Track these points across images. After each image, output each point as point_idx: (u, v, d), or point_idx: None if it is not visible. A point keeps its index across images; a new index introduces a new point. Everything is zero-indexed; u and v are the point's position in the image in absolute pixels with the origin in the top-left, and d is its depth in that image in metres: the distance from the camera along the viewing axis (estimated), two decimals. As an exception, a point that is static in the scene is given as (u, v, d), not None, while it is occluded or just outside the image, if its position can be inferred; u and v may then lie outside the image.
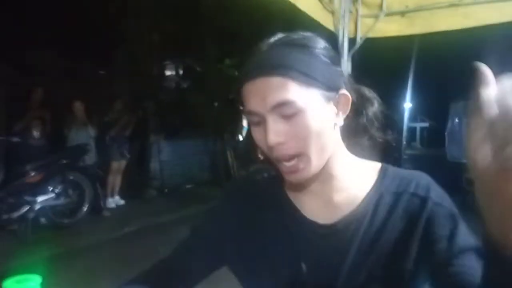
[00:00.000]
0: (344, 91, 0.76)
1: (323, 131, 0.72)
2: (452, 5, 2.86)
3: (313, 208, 0.81)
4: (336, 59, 0.77)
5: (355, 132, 0.85)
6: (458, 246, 0.71)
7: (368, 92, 0.88)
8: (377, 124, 0.87)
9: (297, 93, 0.69)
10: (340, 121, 0.77)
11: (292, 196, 0.84)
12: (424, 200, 0.76)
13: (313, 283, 0.78)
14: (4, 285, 0.63)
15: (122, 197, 7.48)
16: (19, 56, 7.89)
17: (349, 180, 0.81)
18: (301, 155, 0.72)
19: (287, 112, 0.70)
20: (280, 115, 0.70)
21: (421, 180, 0.80)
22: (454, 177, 7.73)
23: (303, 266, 0.78)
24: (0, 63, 7.23)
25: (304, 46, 0.73)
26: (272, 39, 0.75)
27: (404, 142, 10.73)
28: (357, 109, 0.84)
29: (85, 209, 6.17)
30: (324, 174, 0.79)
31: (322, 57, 0.73)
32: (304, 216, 0.81)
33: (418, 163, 10.30)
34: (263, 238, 0.83)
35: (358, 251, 0.76)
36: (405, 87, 10.79)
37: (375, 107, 0.87)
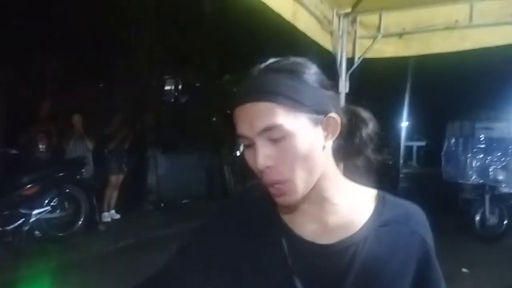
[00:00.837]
0: (332, 114, 0.77)
1: (310, 154, 0.74)
2: (448, 28, 2.92)
3: (308, 229, 0.81)
4: (326, 83, 0.79)
5: (349, 153, 0.86)
6: None
7: (363, 113, 0.89)
8: (372, 145, 0.87)
9: (284, 117, 0.72)
10: (329, 143, 0.79)
11: (287, 217, 0.84)
12: (423, 241, 0.79)
13: None
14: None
15: (118, 211, 7.44)
16: (19, 68, 7.93)
17: (344, 204, 0.82)
18: (288, 179, 0.74)
19: (275, 136, 0.72)
20: (268, 139, 0.73)
21: (420, 217, 0.82)
22: (450, 196, 7.79)
23: (299, 286, 0.78)
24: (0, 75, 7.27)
25: (293, 72, 0.75)
26: (262, 65, 0.77)
27: (401, 161, 10.77)
28: (351, 130, 0.85)
29: (80, 222, 6.13)
30: (317, 196, 0.80)
31: (310, 82, 0.75)
32: (300, 236, 0.81)
33: (415, 182, 10.33)
34: (255, 259, 0.82)
35: (357, 275, 0.76)
36: (402, 106, 10.88)
37: (369, 128, 0.87)
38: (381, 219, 0.80)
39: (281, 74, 0.74)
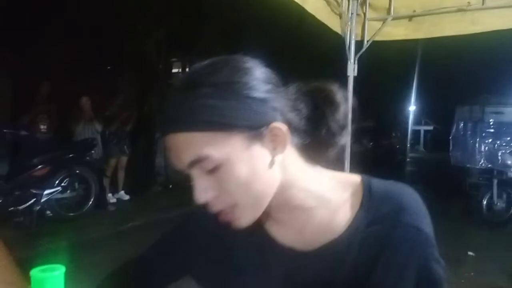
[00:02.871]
0: (276, 124, 0.65)
1: (254, 176, 0.65)
2: (459, 10, 2.88)
3: (287, 236, 0.74)
4: (266, 88, 0.66)
5: (319, 147, 0.73)
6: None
7: (331, 94, 0.73)
8: (344, 133, 0.73)
9: (210, 146, 0.62)
10: (280, 157, 0.67)
11: (265, 222, 0.76)
12: (418, 232, 0.68)
13: None
14: (31, 274, 0.67)
15: (127, 192, 7.54)
16: (26, 51, 7.95)
17: (322, 205, 0.72)
18: (235, 206, 0.66)
19: (207, 167, 0.63)
20: (202, 171, 0.64)
21: (413, 203, 0.71)
22: (458, 181, 7.78)
23: None
24: (7, 58, 7.30)
25: (217, 85, 0.63)
26: (179, 82, 0.67)
27: (408, 145, 10.74)
28: (316, 118, 0.72)
29: (90, 202, 6.25)
30: (286, 206, 0.72)
31: (242, 92, 0.63)
32: (278, 242, 0.74)
33: (422, 166, 10.32)
34: (233, 264, 0.78)
35: (345, 282, 0.68)
36: (410, 90, 10.79)
37: (340, 112, 0.73)
38: (368, 217, 0.70)
39: (202, 92, 0.63)
